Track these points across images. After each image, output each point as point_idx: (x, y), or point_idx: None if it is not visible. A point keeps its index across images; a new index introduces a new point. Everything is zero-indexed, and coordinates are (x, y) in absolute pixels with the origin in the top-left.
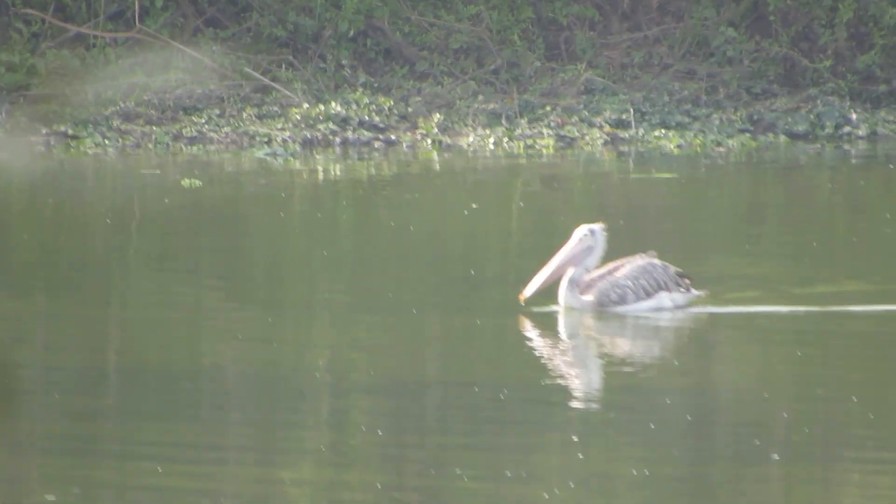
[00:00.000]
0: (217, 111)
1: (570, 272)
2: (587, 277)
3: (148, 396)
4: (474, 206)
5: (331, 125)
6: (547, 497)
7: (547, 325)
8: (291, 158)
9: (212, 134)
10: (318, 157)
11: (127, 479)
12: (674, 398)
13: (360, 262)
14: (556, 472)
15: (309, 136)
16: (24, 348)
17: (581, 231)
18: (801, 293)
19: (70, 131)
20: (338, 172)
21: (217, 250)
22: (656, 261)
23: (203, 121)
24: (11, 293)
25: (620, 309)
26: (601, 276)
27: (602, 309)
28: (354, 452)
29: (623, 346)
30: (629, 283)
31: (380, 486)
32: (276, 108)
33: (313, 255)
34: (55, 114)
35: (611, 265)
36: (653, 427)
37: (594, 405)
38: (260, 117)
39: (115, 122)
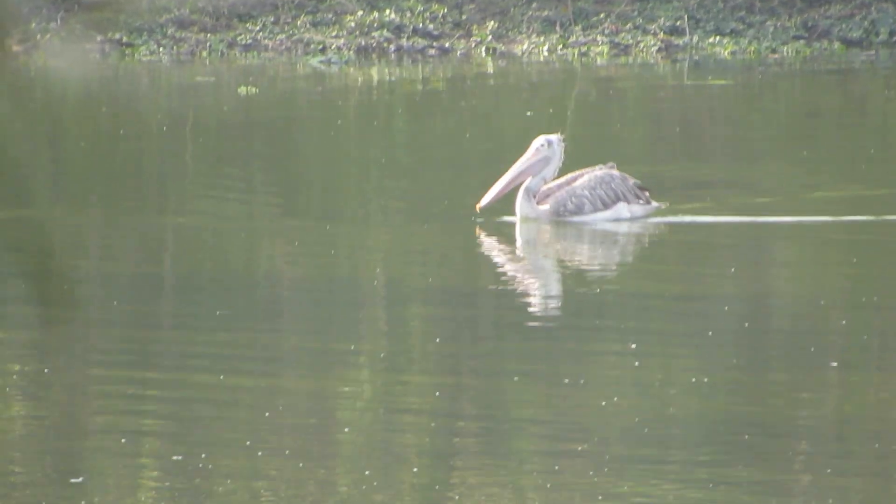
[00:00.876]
0: (272, 18)
1: (527, 182)
2: (545, 187)
3: (204, 304)
4: (529, 113)
5: (385, 32)
6: (604, 404)
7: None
8: (345, 66)
9: (266, 41)
10: (372, 64)
11: (184, 387)
12: (733, 307)
13: (415, 169)
14: (613, 380)
15: (363, 43)
16: (82, 256)
17: (538, 142)
18: (847, 199)
19: (124, 39)
20: (392, 80)
21: (272, 158)
22: (615, 172)
23: (257, 28)
24: (68, 201)
25: (577, 219)
26: (559, 186)
27: (558, 218)
28: (411, 358)
29: (675, 258)
30: (586, 193)
31: (437, 393)
32: (330, 16)
33: (369, 163)
34: (110, 21)
35: (569, 175)
36: (710, 335)
37: (651, 314)
38: (314, 24)
39: (170, 30)
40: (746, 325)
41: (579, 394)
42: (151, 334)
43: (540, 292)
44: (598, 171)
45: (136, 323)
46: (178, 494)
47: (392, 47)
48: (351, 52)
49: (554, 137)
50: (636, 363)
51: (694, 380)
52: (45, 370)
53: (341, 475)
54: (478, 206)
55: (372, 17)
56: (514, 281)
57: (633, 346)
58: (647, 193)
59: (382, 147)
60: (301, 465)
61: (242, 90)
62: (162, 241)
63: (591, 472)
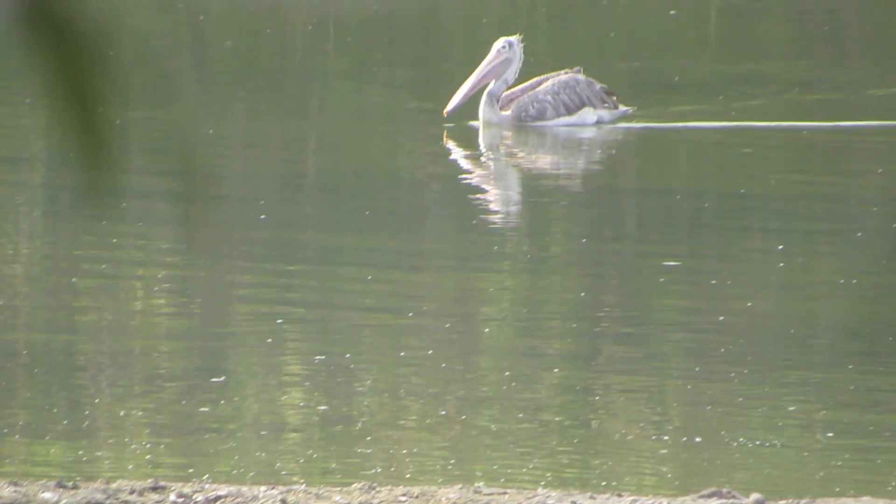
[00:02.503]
0: None
1: (489, 86)
2: (509, 92)
3: (347, 205)
4: (672, 12)
5: None
6: (749, 304)
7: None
8: None
9: None
10: None
11: (328, 287)
12: (881, 208)
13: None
14: (757, 280)
15: None
16: (226, 155)
17: (499, 44)
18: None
19: None
20: None
21: (414, 60)
22: (580, 76)
23: None
24: (214, 100)
25: (539, 124)
26: (522, 91)
27: (520, 124)
28: (553, 260)
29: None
30: (549, 97)
31: (582, 294)
32: None
33: None
34: None
35: (534, 80)
36: (859, 236)
37: (796, 215)
38: None
39: None
40: (894, 225)
41: (724, 294)
42: (296, 234)
43: (689, 190)
44: (562, 76)
45: (281, 222)
46: (321, 393)
47: None
48: None
49: (514, 39)
50: (781, 264)
51: (841, 280)
52: (190, 268)
53: (483, 375)
54: (444, 112)
55: None
56: (663, 178)
57: (780, 246)
58: (614, 98)
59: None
60: (443, 364)
61: None
62: (304, 141)
63: (731, 375)
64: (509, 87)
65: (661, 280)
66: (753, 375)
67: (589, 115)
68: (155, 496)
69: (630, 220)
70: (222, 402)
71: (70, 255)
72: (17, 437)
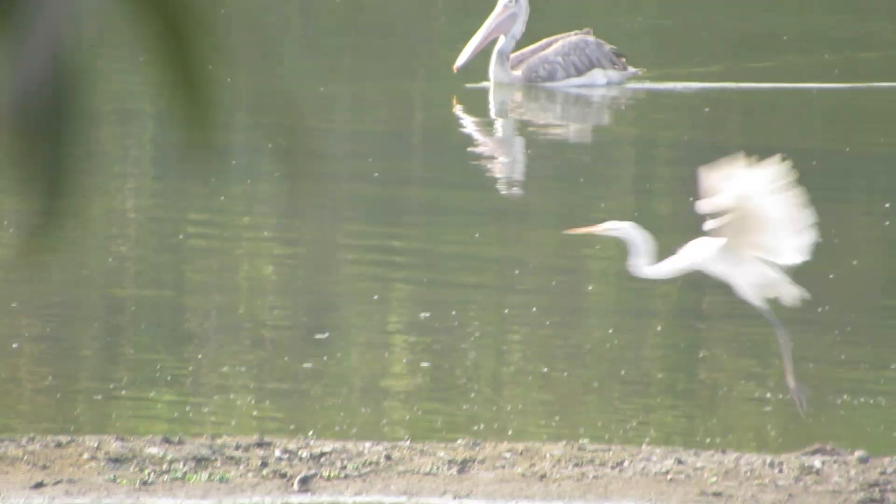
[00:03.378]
0: None
1: (498, 45)
2: (519, 53)
3: (451, 164)
4: None
5: None
6: (855, 263)
7: None
8: None
9: None
10: None
11: (434, 242)
12: None
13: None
14: (863, 239)
15: None
16: (329, 111)
17: None
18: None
19: None
20: None
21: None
22: (590, 38)
23: None
24: (318, 57)
25: (549, 85)
26: (532, 52)
27: (531, 84)
28: (658, 217)
29: None
30: (559, 59)
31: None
32: None
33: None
34: None
35: (544, 41)
36: None
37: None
38: None
39: None
40: None
41: (829, 252)
42: (400, 190)
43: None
44: (572, 37)
45: (383, 180)
46: (425, 350)
47: None
48: None
49: None
50: (887, 222)
51: None
52: (295, 224)
53: (587, 331)
54: (454, 68)
55: None
56: (765, 138)
57: (887, 204)
58: (623, 60)
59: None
60: (547, 321)
61: None
62: (409, 101)
63: (835, 332)
64: (520, 47)
65: None
66: (858, 334)
67: (598, 76)
68: (260, 452)
69: None
70: (326, 358)
71: (178, 213)
72: (123, 393)
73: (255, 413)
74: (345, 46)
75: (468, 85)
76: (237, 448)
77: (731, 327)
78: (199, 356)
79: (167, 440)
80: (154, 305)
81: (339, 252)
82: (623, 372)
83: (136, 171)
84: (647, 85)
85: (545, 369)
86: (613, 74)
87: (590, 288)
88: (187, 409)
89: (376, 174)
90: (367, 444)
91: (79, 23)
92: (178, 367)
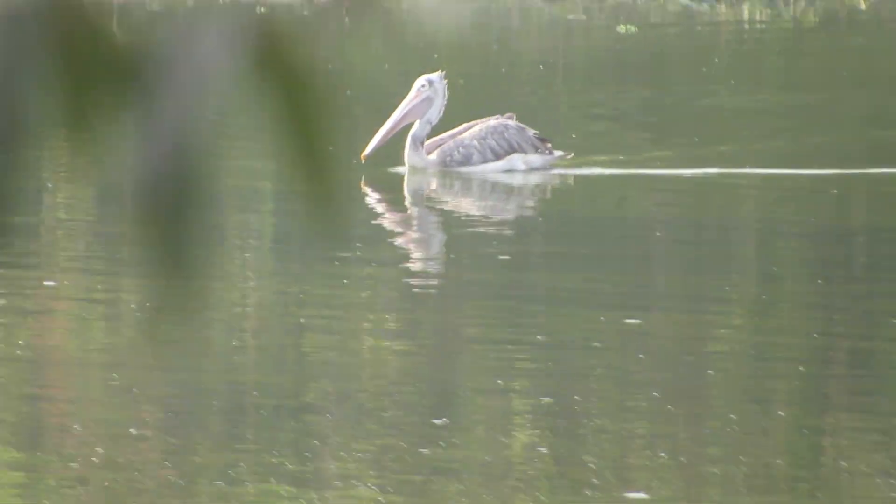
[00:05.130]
0: None
1: (413, 129)
2: (436, 138)
3: (575, 244)
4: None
5: None
6: None
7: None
8: (716, 5)
9: None
10: (742, 2)
11: (557, 326)
12: None
13: (790, 113)
14: None
15: None
16: (448, 199)
17: (419, 82)
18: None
19: None
20: (763, 19)
21: (644, 98)
22: (511, 122)
23: None
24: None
25: (465, 169)
26: (450, 136)
27: (446, 169)
28: (784, 301)
29: None
30: (475, 143)
31: (815, 335)
32: None
33: (741, 104)
34: None
35: (464, 125)
36: None
37: None
38: None
39: None
40: None
41: None
42: (525, 274)
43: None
44: (491, 122)
45: (511, 262)
46: (548, 436)
47: None
48: None
49: (435, 76)
50: None
51: None
52: (419, 309)
53: (706, 415)
54: (362, 156)
55: None
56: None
57: None
58: (548, 144)
59: (753, 87)
60: (669, 406)
61: (622, 28)
62: (526, 188)
63: None
64: (435, 132)
65: (894, 321)
66: None
67: (518, 160)
68: None
69: (857, 261)
70: (441, 444)
71: (299, 294)
72: (244, 480)
73: (379, 499)
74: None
75: (388, 169)
76: None
77: (858, 415)
78: (319, 443)
79: None
80: (274, 391)
81: (462, 335)
82: (745, 458)
83: (258, 252)
84: (573, 170)
85: (664, 455)
86: (535, 159)
87: (710, 372)
88: (309, 496)
89: (502, 257)
90: None
91: (205, 103)
92: (298, 452)
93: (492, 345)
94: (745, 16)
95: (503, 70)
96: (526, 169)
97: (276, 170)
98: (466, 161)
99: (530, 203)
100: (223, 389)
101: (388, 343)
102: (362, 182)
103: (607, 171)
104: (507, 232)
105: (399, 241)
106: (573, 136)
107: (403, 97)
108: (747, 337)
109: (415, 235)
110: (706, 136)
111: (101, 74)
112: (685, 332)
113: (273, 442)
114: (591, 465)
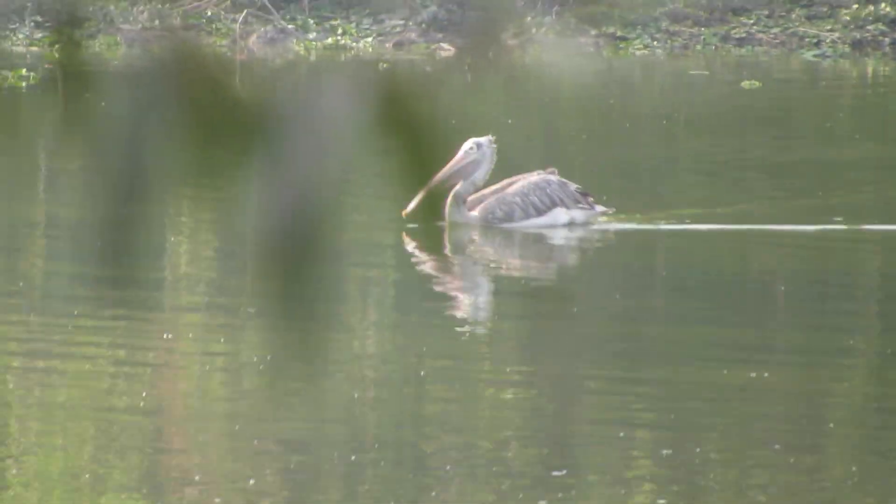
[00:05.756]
0: (765, 12)
1: (457, 187)
2: (479, 194)
3: (694, 301)
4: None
5: (880, 26)
6: None
7: None
8: (840, 59)
9: (760, 35)
10: (866, 57)
11: (676, 382)
12: None
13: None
14: None
15: (858, 37)
16: (568, 258)
17: (467, 145)
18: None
19: (618, 33)
20: (887, 74)
21: (768, 155)
22: (553, 177)
23: (751, 22)
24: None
25: (507, 226)
26: (492, 192)
27: (488, 225)
28: None
29: None
30: (517, 199)
31: None
32: (824, 9)
33: (868, 160)
34: (604, 15)
35: (505, 181)
36: None
37: None
38: (809, 18)
39: (664, 24)
40: None
41: None
42: (642, 328)
43: None
44: (533, 177)
45: (628, 316)
46: (668, 493)
47: (887, 41)
48: (846, 45)
49: (484, 140)
50: None
51: None
52: (536, 363)
53: (827, 471)
54: (403, 213)
55: (867, 11)
56: None
57: None
58: (590, 199)
59: (878, 141)
60: (791, 459)
61: (746, 84)
62: (651, 242)
63: None
64: (478, 190)
65: None
66: None
67: (561, 215)
68: None
69: None
70: (560, 495)
71: (417, 349)
72: None
73: None
74: (592, 178)
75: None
76: None
77: None
78: (437, 494)
79: None
80: (393, 443)
81: (581, 389)
82: None
83: (377, 305)
84: (617, 225)
85: None
86: (578, 213)
87: (831, 425)
88: None
89: (615, 312)
90: None
91: (329, 156)
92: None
93: (610, 396)
94: (870, 71)
95: (627, 125)
96: (568, 223)
97: (396, 220)
98: (508, 218)
99: (635, 258)
100: (342, 441)
101: (506, 394)
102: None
103: (707, 227)
104: (620, 283)
105: (507, 295)
106: (685, 192)
107: (526, 151)
108: (871, 391)
109: (517, 289)
110: (829, 190)
111: (225, 129)
112: (806, 386)
113: (392, 495)
114: None
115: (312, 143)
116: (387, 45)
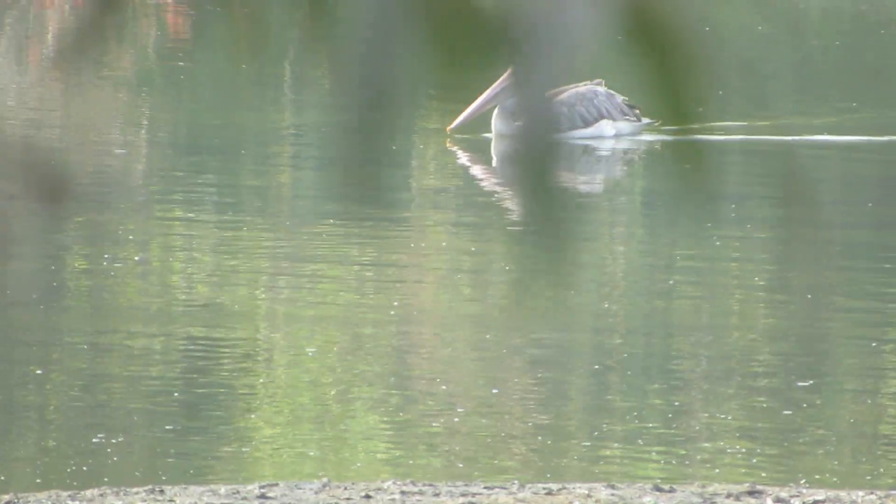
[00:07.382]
0: None
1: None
2: None
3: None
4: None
5: None
6: None
7: None
8: None
9: None
10: None
11: None
12: None
13: None
14: None
15: None
16: (823, 158)
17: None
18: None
19: None
20: None
21: None
22: (600, 88)
23: None
24: (814, 106)
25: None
26: None
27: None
28: None
29: None
30: (564, 109)
31: None
32: None
33: None
34: None
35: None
36: None
37: None
38: None
39: None
40: None
41: None
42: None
43: None
44: (581, 88)
45: (882, 224)
46: None
47: None
48: None
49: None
50: None
51: None
52: (786, 269)
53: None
54: (447, 129)
55: None
56: None
57: None
58: (637, 111)
59: None
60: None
61: None
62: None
63: None
64: None
65: None
66: None
67: (607, 127)
68: (752, 500)
69: None
70: (805, 405)
71: (669, 257)
72: (614, 442)
73: (744, 460)
74: (838, 93)
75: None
76: (728, 496)
77: None
78: (689, 402)
79: (658, 488)
80: (642, 351)
81: (829, 297)
82: None
83: (626, 213)
84: (663, 136)
85: None
86: (624, 126)
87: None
88: (678, 457)
89: (869, 220)
90: (860, 493)
91: (576, 67)
92: (667, 413)
93: (862, 305)
94: None
95: (881, 32)
96: (614, 135)
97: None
98: None
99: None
100: (590, 350)
101: (756, 301)
102: (447, 142)
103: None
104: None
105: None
106: None
107: (775, 59)
108: None
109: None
110: None
111: (468, 41)
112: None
113: (641, 400)
114: None
115: (558, 53)
116: None
